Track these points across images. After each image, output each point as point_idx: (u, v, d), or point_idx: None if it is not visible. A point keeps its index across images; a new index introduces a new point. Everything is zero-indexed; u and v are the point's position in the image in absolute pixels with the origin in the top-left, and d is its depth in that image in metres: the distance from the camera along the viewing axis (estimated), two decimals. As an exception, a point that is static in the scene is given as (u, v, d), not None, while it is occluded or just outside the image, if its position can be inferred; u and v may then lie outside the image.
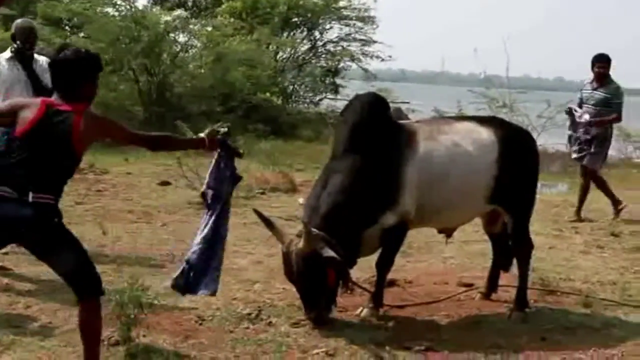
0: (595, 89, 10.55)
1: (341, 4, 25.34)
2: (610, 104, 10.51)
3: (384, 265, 6.22)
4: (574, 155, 10.85)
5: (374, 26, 25.49)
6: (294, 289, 5.99)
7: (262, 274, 7.05)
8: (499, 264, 6.80)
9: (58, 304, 6.02)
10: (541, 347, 5.66)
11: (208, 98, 19.77)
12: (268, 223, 6.06)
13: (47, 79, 7.09)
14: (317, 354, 5.35)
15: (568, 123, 10.97)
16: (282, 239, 5.93)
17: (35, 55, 7.22)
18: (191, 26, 20.62)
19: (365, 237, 6.01)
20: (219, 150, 5.20)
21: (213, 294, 5.31)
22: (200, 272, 5.22)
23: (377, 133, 6.07)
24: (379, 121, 6.17)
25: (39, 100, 4.49)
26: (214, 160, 5.30)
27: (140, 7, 19.64)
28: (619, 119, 10.68)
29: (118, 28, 18.72)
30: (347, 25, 25.69)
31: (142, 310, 5.30)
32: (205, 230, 5.23)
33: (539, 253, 7.34)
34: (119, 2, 19.66)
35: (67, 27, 21.65)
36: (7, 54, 7.23)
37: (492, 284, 6.83)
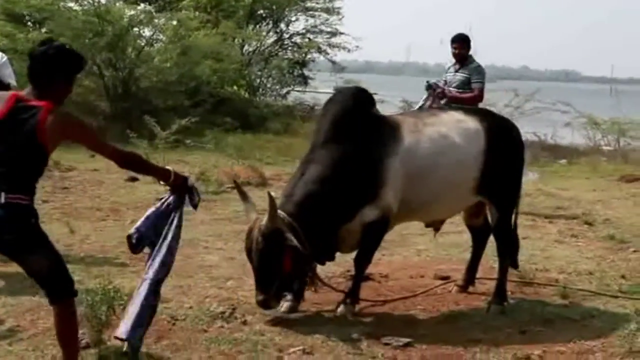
0: (457, 71, 9.91)
1: (306, -5, 25.21)
2: (471, 84, 9.86)
3: (362, 261, 6.11)
4: None
5: (340, 17, 25.44)
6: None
7: (235, 270, 6.92)
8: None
9: (25, 306, 5.84)
10: (521, 340, 5.60)
11: (175, 92, 19.57)
12: (243, 196, 5.96)
13: (3, 73, 6.96)
14: (294, 352, 5.24)
15: (423, 97, 9.88)
16: (250, 215, 5.84)
17: None
18: (156, 20, 20.39)
19: (345, 232, 5.91)
20: (172, 196, 4.95)
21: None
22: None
23: (359, 125, 5.97)
24: (361, 113, 6.06)
25: (9, 93, 4.31)
26: (157, 203, 5.05)
27: (104, 2, 19.32)
28: (478, 97, 9.86)
29: (81, 23, 18.44)
30: (312, 16, 25.60)
31: (113, 312, 5.16)
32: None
33: (514, 243, 7.27)
34: (81, -3, 19.38)
35: (29, 23, 21.34)
36: None
37: (470, 276, 6.76)
